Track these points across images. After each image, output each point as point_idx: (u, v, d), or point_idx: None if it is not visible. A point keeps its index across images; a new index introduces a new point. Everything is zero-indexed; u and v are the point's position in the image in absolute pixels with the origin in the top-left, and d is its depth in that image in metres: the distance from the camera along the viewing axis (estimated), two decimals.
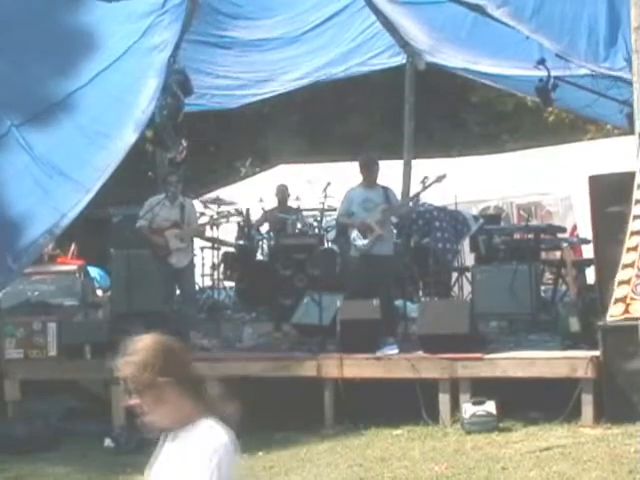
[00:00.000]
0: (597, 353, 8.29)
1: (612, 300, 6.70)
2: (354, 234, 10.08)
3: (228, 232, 12.55)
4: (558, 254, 11.85)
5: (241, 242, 12.41)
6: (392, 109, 17.57)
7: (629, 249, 6.91)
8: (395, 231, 11.04)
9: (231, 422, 3.11)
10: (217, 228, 11.82)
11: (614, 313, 6.67)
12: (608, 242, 8.24)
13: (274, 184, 13.49)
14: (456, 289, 11.72)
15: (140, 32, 9.45)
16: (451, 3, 10.14)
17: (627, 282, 6.73)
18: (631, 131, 7.98)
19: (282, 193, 12.95)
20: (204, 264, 12.38)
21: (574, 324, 8.82)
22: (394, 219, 10.68)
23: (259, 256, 12.40)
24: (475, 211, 13.89)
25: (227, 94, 13.56)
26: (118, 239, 12.38)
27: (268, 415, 8.85)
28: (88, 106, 9.33)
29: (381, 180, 10.40)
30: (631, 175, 7.28)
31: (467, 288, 11.24)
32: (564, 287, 10.97)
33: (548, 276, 11.86)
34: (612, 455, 7.35)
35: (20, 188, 9.07)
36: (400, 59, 13.41)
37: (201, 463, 2.96)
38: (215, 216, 11.85)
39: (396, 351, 9.17)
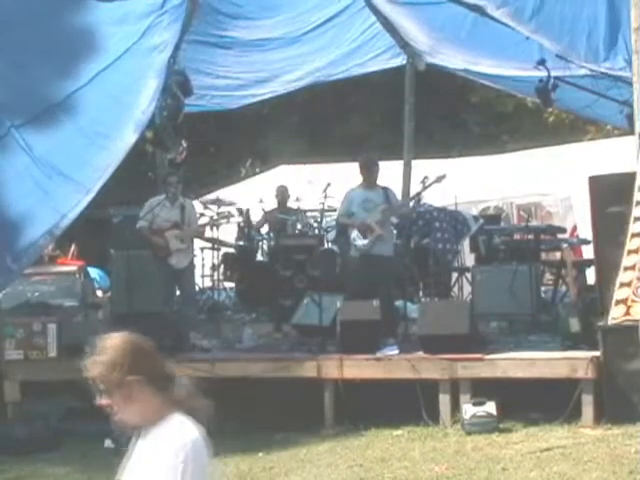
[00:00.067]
0: (597, 354, 8.29)
1: (613, 302, 6.70)
2: (354, 234, 10.08)
3: (228, 233, 12.55)
4: (558, 255, 11.85)
5: (241, 243, 12.42)
6: (392, 110, 17.58)
7: (630, 251, 6.91)
8: (395, 231, 11.04)
9: (202, 418, 3.10)
10: (217, 229, 11.82)
11: (615, 315, 6.67)
12: (608, 243, 8.25)
13: (274, 185, 13.49)
14: (456, 289, 11.72)
15: (140, 33, 9.45)
16: (451, 3, 10.14)
17: (628, 284, 6.73)
18: (631, 132, 7.98)
19: (282, 194, 12.96)
20: (204, 265, 12.39)
21: (574, 325, 8.82)
22: (394, 219, 10.68)
23: (259, 257, 12.41)
24: (475, 211, 13.89)
25: (227, 95, 13.56)
26: (118, 240, 12.38)
27: (268, 416, 8.85)
28: (88, 107, 9.33)
29: (381, 180, 10.40)
30: (631, 176, 7.28)
31: (467, 288, 11.24)
32: (564, 288, 10.97)
33: (548, 277, 11.86)
34: (612, 456, 7.35)
35: (20, 189, 9.06)
36: (400, 60, 13.42)
37: (169, 458, 2.96)
38: (215, 217, 11.85)
39: (396, 352, 9.16)
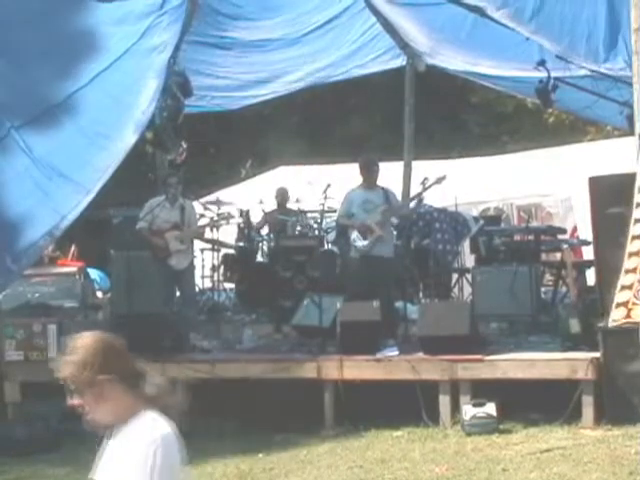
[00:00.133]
0: (597, 355, 8.28)
1: (614, 304, 6.70)
2: (354, 235, 10.08)
3: (228, 234, 12.55)
4: (558, 255, 11.85)
5: (241, 244, 12.41)
6: (392, 110, 17.58)
7: (631, 254, 6.92)
8: (395, 232, 11.04)
9: (175, 415, 3.10)
10: (217, 230, 11.82)
11: (616, 317, 6.68)
12: (608, 243, 8.24)
13: (274, 186, 13.49)
14: (456, 290, 11.72)
15: (139, 33, 9.45)
16: (451, 4, 10.14)
17: (629, 287, 6.75)
18: (631, 132, 7.99)
19: (282, 196, 12.95)
20: (204, 266, 12.39)
21: (574, 325, 8.81)
22: (394, 220, 10.68)
23: (259, 258, 12.40)
24: (475, 212, 13.89)
25: (227, 95, 13.56)
26: (118, 241, 12.38)
27: (268, 417, 8.85)
28: (88, 107, 9.33)
29: (381, 181, 10.39)
30: (631, 176, 7.29)
31: (467, 289, 11.24)
32: (564, 288, 10.96)
33: (548, 277, 11.86)
34: (612, 457, 7.34)
35: (20, 190, 9.06)
36: (400, 61, 13.43)
37: (139, 454, 2.97)
38: (215, 218, 11.85)
39: (396, 353, 9.16)
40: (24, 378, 9.81)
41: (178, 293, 10.97)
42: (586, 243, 10.73)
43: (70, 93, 9.25)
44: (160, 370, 10.31)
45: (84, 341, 3.10)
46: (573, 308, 9.37)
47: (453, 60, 12.48)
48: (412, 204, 11.21)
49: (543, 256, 11.87)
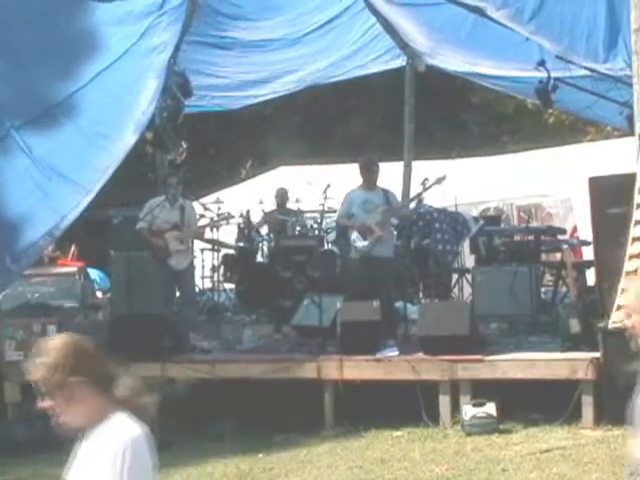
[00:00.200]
0: (597, 355, 8.28)
1: (615, 307, 6.70)
2: (354, 236, 10.08)
3: (228, 234, 12.55)
4: (558, 256, 11.85)
5: (241, 244, 12.41)
6: (392, 111, 17.58)
7: (631, 256, 6.91)
8: (395, 233, 11.03)
9: (146, 416, 3.11)
10: (217, 230, 11.82)
11: (616, 319, 6.68)
12: (608, 244, 8.24)
13: (274, 186, 13.49)
14: (456, 291, 11.71)
15: (139, 33, 9.45)
16: (450, 4, 10.14)
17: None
18: (631, 133, 8.00)
19: (281, 196, 12.95)
20: (204, 266, 12.39)
21: (574, 326, 8.81)
22: (394, 221, 10.68)
23: (259, 258, 12.40)
24: (475, 212, 13.88)
25: (227, 95, 13.57)
26: (118, 241, 12.39)
27: (268, 417, 8.85)
28: (88, 107, 9.33)
29: (381, 182, 10.39)
30: (631, 177, 7.29)
31: (467, 290, 11.24)
32: (564, 289, 10.96)
33: (548, 278, 11.85)
34: (612, 457, 7.34)
35: (20, 190, 9.06)
36: (400, 61, 13.43)
37: (110, 456, 2.97)
38: (215, 218, 11.85)
39: (396, 353, 9.16)
40: (24, 378, 9.79)
41: (178, 293, 10.97)
42: (586, 243, 10.73)
43: (70, 93, 9.26)
44: (160, 370, 10.31)
45: (55, 343, 3.10)
46: (573, 308, 9.37)
47: (453, 60, 12.49)
48: (412, 205, 11.21)
49: (543, 256, 11.87)
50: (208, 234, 11.77)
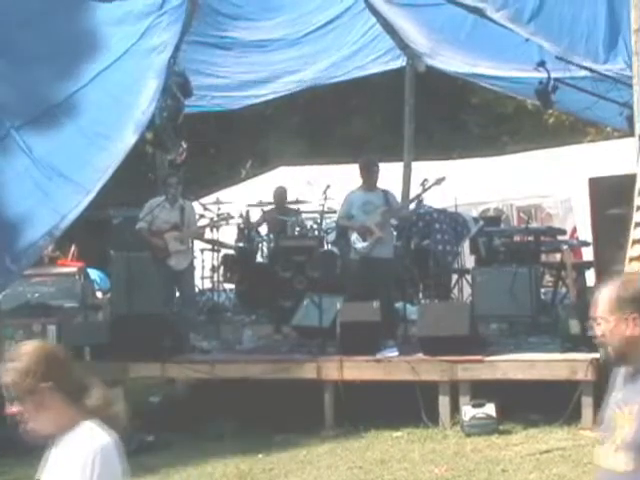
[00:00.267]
0: (597, 355, 8.27)
1: None
2: (354, 237, 10.08)
3: (228, 234, 12.55)
4: (558, 256, 11.85)
5: (241, 244, 12.41)
6: (392, 111, 17.58)
7: (632, 259, 6.91)
8: (395, 233, 11.04)
9: (116, 425, 3.11)
10: (217, 230, 11.82)
11: None
12: (608, 244, 8.24)
13: (274, 186, 13.48)
14: (456, 291, 11.71)
15: (139, 33, 9.45)
16: (450, 5, 10.13)
17: None
18: (631, 133, 7.99)
19: (280, 195, 12.92)
20: (204, 266, 12.38)
21: (574, 326, 8.81)
22: (394, 221, 10.68)
23: (259, 258, 12.39)
24: (475, 213, 13.88)
25: (227, 95, 13.57)
26: (118, 241, 12.39)
27: (268, 417, 8.86)
28: (88, 107, 9.33)
29: (381, 182, 10.39)
30: (631, 177, 7.29)
31: (467, 290, 11.24)
32: (564, 289, 10.96)
33: (548, 278, 11.85)
34: None
35: (20, 190, 9.06)
36: (400, 62, 13.44)
37: (79, 464, 2.97)
38: (215, 218, 11.85)
39: (396, 353, 9.16)
40: None
41: (178, 293, 10.97)
42: (586, 244, 10.73)
43: (70, 93, 9.25)
44: (160, 370, 10.31)
45: (27, 349, 3.10)
46: (573, 309, 9.37)
47: (453, 61, 12.48)
48: (412, 205, 11.22)
49: (543, 257, 11.87)
50: (208, 234, 11.77)
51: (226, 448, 8.50)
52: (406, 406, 8.64)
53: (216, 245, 12.16)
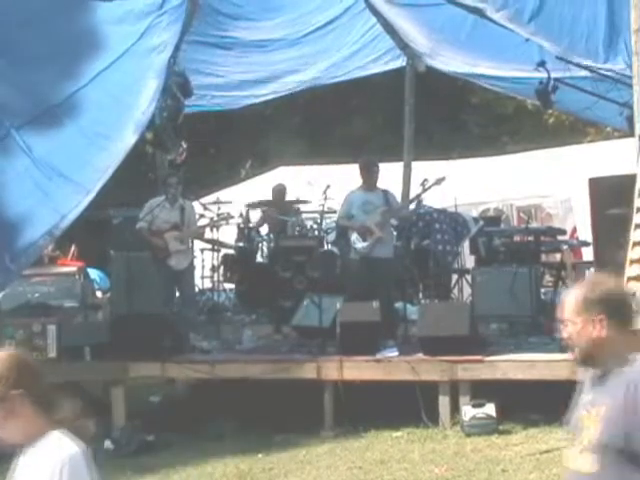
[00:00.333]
0: None
1: None
2: (354, 237, 10.08)
3: (228, 234, 12.55)
4: (558, 256, 11.85)
5: (241, 244, 12.41)
6: (393, 111, 17.58)
7: (632, 261, 6.90)
8: (395, 233, 11.04)
9: (84, 435, 3.12)
10: (217, 230, 11.82)
11: None
12: (608, 244, 8.24)
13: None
14: (456, 291, 11.71)
15: (139, 33, 9.45)
16: (450, 5, 10.14)
17: (632, 295, 6.74)
18: (631, 133, 7.99)
19: (279, 192, 12.91)
20: (204, 266, 12.38)
21: None
22: (394, 222, 10.68)
23: (259, 258, 12.39)
24: (475, 213, 13.88)
25: (227, 95, 13.57)
26: (118, 241, 12.38)
27: (268, 417, 8.86)
28: (88, 107, 9.33)
29: (381, 182, 10.40)
30: (631, 177, 7.29)
31: (467, 290, 11.24)
32: (564, 289, 10.95)
33: (548, 278, 11.85)
34: None
35: (20, 190, 9.06)
36: (400, 62, 13.44)
37: (46, 473, 2.97)
38: (215, 218, 11.85)
39: (396, 353, 9.16)
40: None
41: (178, 293, 10.97)
42: (586, 244, 10.72)
43: (70, 93, 9.25)
44: (160, 370, 10.32)
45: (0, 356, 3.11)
46: None
47: (453, 61, 12.49)
48: (412, 205, 11.22)
49: (543, 257, 11.86)
50: (208, 234, 11.77)
51: (226, 448, 8.50)
52: (406, 406, 8.64)
53: (216, 245, 12.16)
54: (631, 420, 3.04)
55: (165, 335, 9.76)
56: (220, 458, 8.24)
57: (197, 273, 11.90)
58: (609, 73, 8.95)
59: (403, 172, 13.85)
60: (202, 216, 11.88)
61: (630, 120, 8.39)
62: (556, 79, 9.79)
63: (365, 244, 9.98)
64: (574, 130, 20.09)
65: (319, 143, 21.73)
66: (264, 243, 12.38)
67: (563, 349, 8.74)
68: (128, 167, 10.02)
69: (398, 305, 10.27)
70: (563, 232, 12.61)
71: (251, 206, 12.90)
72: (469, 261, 12.00)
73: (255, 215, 12.92)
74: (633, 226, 6.95)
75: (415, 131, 14.22)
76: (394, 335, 9.78)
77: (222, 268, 12.31)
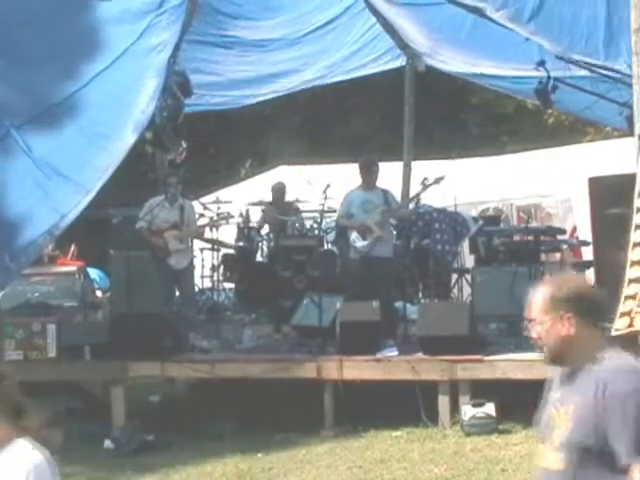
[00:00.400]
0: None
1: (617, 314, 6.70)
2: (353, 236, 10.09)
3: (228, 233, 12.55)
4: (558, 256, 11.85)
5: (241, 243, 12.41)
6: (392, 111, 17.58)
7: (633, 262, 6.90)
8: (395, 233, 11.05)
9: (49, 445, 3.12)
10: (217, 229, 11.82)
11: (619, 327, 6.68)
12: (608, 244, 8.24)
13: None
14: (456, 291, 11.71)
15: (138, 33, 9.43)
16: (450, 5, 10.13)
17: (633, 297, 6.75)
18: (631, 133, 7.99)
19: (278, 191, 12.91)
20: (204, 265, 12.38)
21: None
22: (393, 221, 10.69)
23: (259, 257, 12.40)
24: (475, 213, 13.88)
25: (227, 95, 13.56)
26: (118, 240, 12.38)
27: (268, 416, 8.86)
28: (88, 107, 9.32)
29: (381, 182, 10.41)
30: (631, 177, 7.28)
31: (467, 290, 11.24)
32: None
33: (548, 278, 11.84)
34: None
35: (20, 189, 9.05)
36: (400, 61, 13.43)
37: None
38: (215, 217, 11.85)
39: (396, 353, 9.17)
40: (23, 378, 9.77)
41: (178, 293, 10.97)
42: (585, 244, 10.73)
43: (70, 93, 9.25)
44: (160, 370, 10.32)
45: None
46: None
47: (453, 61, 12.49)
48: (411, 205, 11.22)
49: (542, 256, 11.86)
50: (208, 233, 11.77)
51: (226, 448, 8.51)
52: (406, 406, 8.64)
53: (216, 244, 12.16)
54: (600, 419, 3.05)
55: (165, 334, 9.76)
56: (220, 458, 8.24)
57: (197, 272, 11.90)
58: (609, 73, 8.95)
59: (403, 172, 13.85)
60: (202, 215, 11.89)
61: (630, 120, 8.39)
62: (556, 79, 9.79)
63: (365, 243, 9.98)
64: (574, 130, 20.09)
65: (319, 143, 21.73)
66: (264, 242, 12.39)
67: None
68: (128, 167, 10.01)
69: (398, 305, 10.27)
70: (563, 232, 12.61)
71: (251, 206, 12.90)
72: (469, 261, 12.00)
73: (255, 215, 12.92)
74: (633, 227, 6.95)
75: (415, 131, 14.22)
76: (394, 335, 9.79)
77: (222, 267, 12.31)
